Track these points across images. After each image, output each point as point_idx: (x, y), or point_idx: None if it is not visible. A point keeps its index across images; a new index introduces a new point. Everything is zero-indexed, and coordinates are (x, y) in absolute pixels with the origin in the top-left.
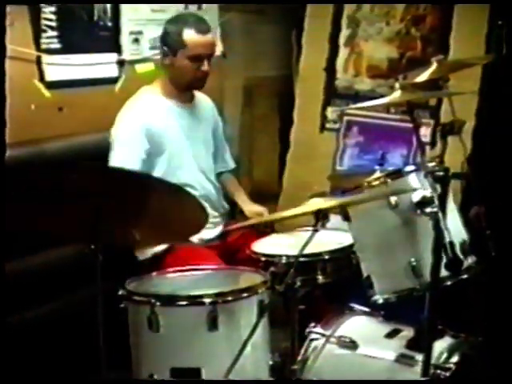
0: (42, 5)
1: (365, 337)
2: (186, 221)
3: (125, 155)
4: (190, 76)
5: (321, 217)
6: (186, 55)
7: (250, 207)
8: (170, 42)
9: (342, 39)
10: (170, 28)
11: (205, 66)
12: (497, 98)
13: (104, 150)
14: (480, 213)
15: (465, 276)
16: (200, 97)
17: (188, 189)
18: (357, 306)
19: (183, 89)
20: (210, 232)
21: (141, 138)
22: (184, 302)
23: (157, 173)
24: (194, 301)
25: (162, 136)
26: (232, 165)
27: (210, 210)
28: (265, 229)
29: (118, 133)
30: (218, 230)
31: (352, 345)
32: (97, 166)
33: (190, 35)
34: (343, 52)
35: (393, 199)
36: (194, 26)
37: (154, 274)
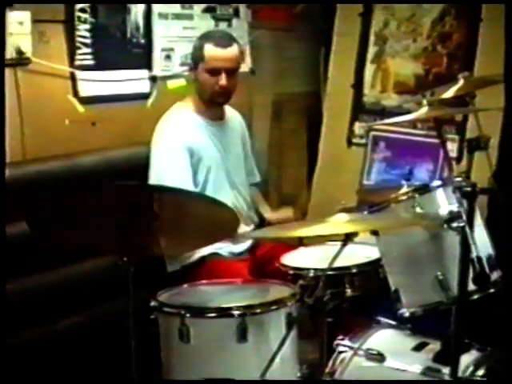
0: (77, 22)
1: (392, 350)
2: (217, 226)
3: (178, 175)
4: (209, 89)
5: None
6: (205, 68)
7: (273, 214)
8: (193, 56)
9: (369, 56)
10: (195, 43)
11: (222, 80)
12: None
13: (136, 163)
14: None
15: (492, 290)
16: (230, 113)
17: None
18: (384, 319)
19: (207, 104)
20: (240, 245)
21: (186, 156)
22: (213, 314)
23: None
24: (224, 313)
25: (200, 152)
26: (258, 178)
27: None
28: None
29: (161, 151)
30: (248, 243)
31: (379, 357)
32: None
33: (208, 48)
34: (370, 68)
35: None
36: (214, 41)
37: (185, 285)
